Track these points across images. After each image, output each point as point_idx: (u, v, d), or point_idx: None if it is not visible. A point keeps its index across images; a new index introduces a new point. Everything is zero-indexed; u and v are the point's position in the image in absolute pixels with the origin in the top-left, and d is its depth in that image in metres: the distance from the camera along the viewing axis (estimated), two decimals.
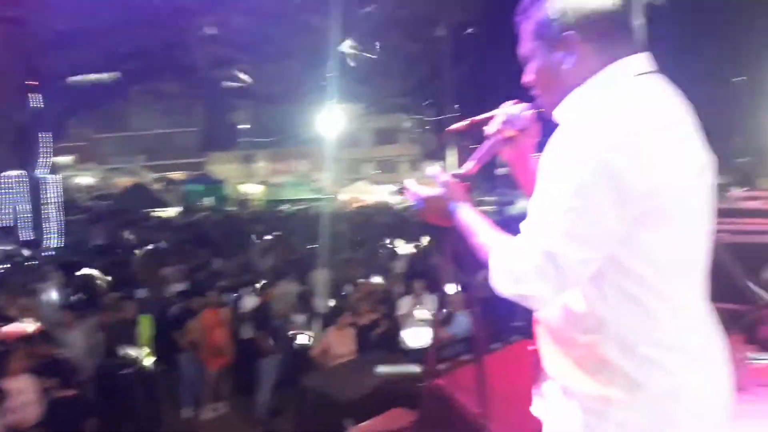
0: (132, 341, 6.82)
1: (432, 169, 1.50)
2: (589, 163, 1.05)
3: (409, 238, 13.42)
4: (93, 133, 41.36)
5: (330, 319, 8.25)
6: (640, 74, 1.18)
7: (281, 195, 31.42)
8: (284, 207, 28.50)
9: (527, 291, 1.12)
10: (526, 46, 1.30)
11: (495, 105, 1.62)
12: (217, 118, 41.36)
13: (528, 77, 1.31)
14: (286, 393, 7.50)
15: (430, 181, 1.47)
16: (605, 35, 1.19)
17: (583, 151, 1.06)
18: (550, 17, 1.21)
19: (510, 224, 1.27)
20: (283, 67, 26.99)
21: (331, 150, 29.65)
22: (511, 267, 1.13)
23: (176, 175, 37.83)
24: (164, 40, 23.40)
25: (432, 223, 1.47)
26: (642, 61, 1.19)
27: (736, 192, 4.75)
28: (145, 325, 7.19)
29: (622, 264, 1.10)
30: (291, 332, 8.38)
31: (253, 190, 35.77)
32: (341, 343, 7.03)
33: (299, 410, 4.20)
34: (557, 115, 1.25)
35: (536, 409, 1.38)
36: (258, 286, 8.31)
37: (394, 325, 7.77)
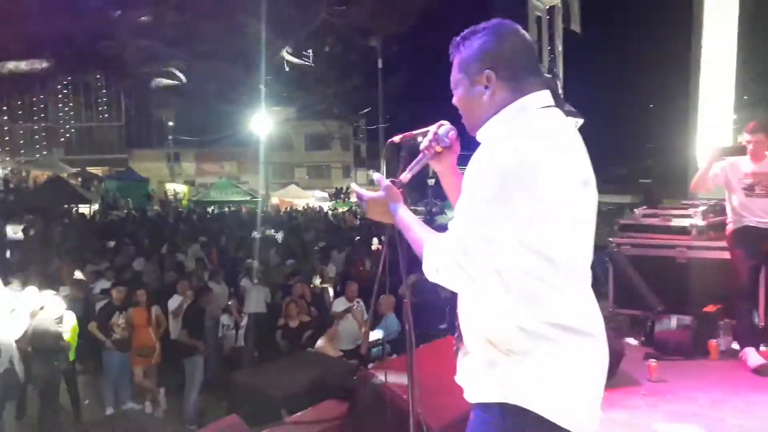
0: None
1: (376, 175, 1.76)
2: (498, 177, 1.34)
3: (341, 243, 13.61)
4: (9, 123, 39.11)
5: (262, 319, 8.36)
6: (543, 107, 1.50)
7: (209, 196, 30.72)
8: (211, 208, 27.90)
9: (447, 277, 1.39)
10: (454, 76, 1.60)
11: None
12: (143, 114, 40.01)
13: (455, 101, 1.62)
14: (216, 392, 7.56)
15: (375, 185, 1.74)
16: (516, 75, 1.48)
17: (494, 167, 1.35)
18: (474, 56, 1.51)
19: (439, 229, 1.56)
20: (216, 67, 26.51)
21: (262, 153, 29.44)
22: (436, 257, 1.40)
23: (97, 170, 36.29)
24: (91, 30, 22.52)
25: (375, 220, 1.75)
26: (545, 96, 1.51)
27: (639, 209, 5.29)
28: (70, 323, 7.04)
29: (520, 257, 1.39)
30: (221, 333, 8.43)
31: (179, 189, 34.84)
32: None
33: (231, 406, 4.32)
34: (479, 136, 1.54)
35: (457, 377, 1.66)
36: (188, 286, 8.25)
37: (325, 327, 7.98)
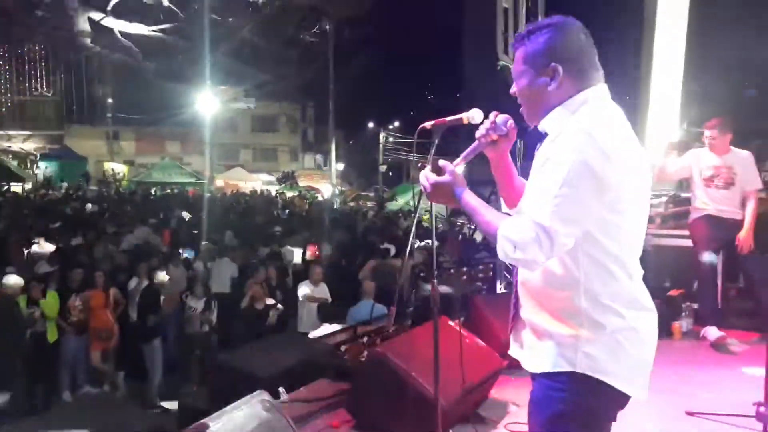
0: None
1: (441, 161, 1.82)
2: (575, 162, 1.45)
3: (297, 228, 13.56)
4: None
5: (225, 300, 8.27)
6: (603, 99, 1.62)
7: (150, 177, 29.75)
8: (153, 190, 27.07)
9: (526, 256, 1.47)
10: (517, 67, 1.67)
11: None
12: (80, 89, 38.13)
13: (515, 91, 1.70)
14: (181, 373, 7.45)
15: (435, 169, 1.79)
16: (579, 69, 1.59)
17: (570, 153, 1.46)
18: (541, 51, 1.60)
19: None
20: (162, 42, 25.49)
21: (207, 133, 28.67)
22: (514, 238, 1.48)
23: (31, 146, 34.45)
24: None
25: (439, 203, 1.80)
26: (604, 90, 1.63)
27: None
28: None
29: (594, 238, 1.51)
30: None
31: (118, 169, 33.52)
32: None
33: (214, 387, 4.28)
34: (542, 124, 1.64)
35: (513, 351, 1.77)
36: (146, 268, 8.06)
37: (289, 311, 7.99)
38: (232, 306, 8.17)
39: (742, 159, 4.46)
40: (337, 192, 28.64)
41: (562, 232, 1.46)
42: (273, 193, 28.24)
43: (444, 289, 7.69)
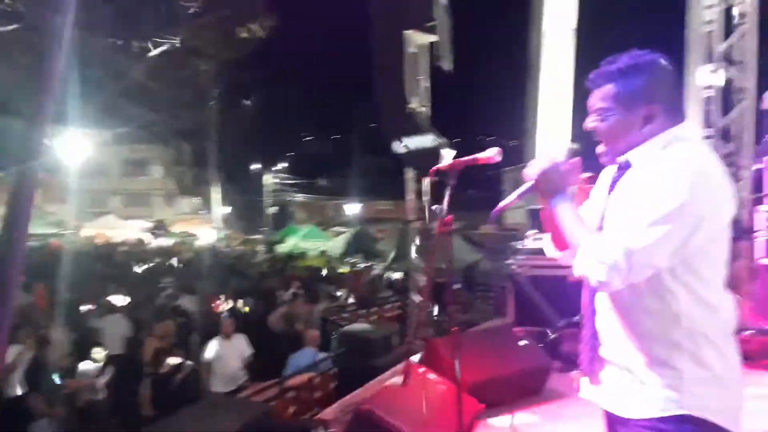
0: None
1: (574, 145, 1.78)
2: (675, 200, 1.45)
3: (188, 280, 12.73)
4: None
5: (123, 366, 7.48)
6: (695, 136, 1.67)
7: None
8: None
9: (602, 277, 1.48)
10: (606, 103, 1.65)
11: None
12: None
13: (598, 126, 1.68)
14: None
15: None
16: (668, 108, 1.63)
17: (669, 190, 1.46)
18: (635, 93, 1.61)
19: None
20: (12, 77, 23.19)
21: (71, 180, 26.45)
22: (597, 256, 1.49)
23: None
24: None
25: (540, 195, 1.72)
26: (688, 126, 1.68)
27: (530, 233, 5.78)
28: None
29: (695, 270, 1.52)
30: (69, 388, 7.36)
31: None
32: None
33: None
34: (630, 157, 1.64)
35: (591, 394, 1.69)
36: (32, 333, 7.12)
37: (197, 370, 7.37)
38: (130, 368, 7.41)
39: None
40: (220, 236, 27.53)
41: (644, 262, 1.46)
42: (149, 240, 26.54)
43: (359, 327, 7.60)
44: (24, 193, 5.06)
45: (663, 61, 1.65)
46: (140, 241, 25.79)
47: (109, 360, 7.36)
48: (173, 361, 7.31)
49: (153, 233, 31.18)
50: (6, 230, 4.92)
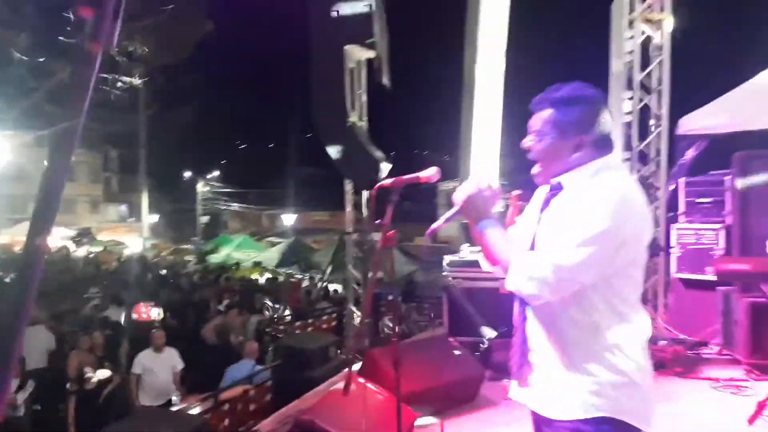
0: None
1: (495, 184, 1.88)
2: (601, 225, 1.61)
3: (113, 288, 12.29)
4: None
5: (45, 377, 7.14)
6: (621, 166, 1.84)
7: None
8: None
9: (533, 290, 1.63)
10: (543, 127, 1.80)
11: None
12: None
13: (534, 148, 1.83)
14: None
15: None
16: (601, 138, 1.79)
17: (596, 215, 1.62)
18: (573, 123, 1.77)
19: None
20: None
21: None
22: (528, 272, 1.64)
23: None
24: None
25: (467, 218, 1.85)
26: (618, 157, 1.85)
27: (465, 246, 5.98)
28: None
29: (615, 286, 1.68)
30: None
31: None
32: None
33: None
34: (562, 180, 1.78)
35: (519, 395, 1.82)
36: None
37: (125, 384, 7.13)
38: (53, 383, 7.08)
39: None
40: (148, 245, 26.61)
41: (572, 279, 1.62)
42: (73, 248, 25.33)
43: (295, 339, 7.57)
44: None
45: (603, 99, 1.82)
46: (64, 249, 24.54)
47: (29, 374, 7.00)
48: (101, 374, 7.08)
49: (77, 241, 29.78)
50: None
